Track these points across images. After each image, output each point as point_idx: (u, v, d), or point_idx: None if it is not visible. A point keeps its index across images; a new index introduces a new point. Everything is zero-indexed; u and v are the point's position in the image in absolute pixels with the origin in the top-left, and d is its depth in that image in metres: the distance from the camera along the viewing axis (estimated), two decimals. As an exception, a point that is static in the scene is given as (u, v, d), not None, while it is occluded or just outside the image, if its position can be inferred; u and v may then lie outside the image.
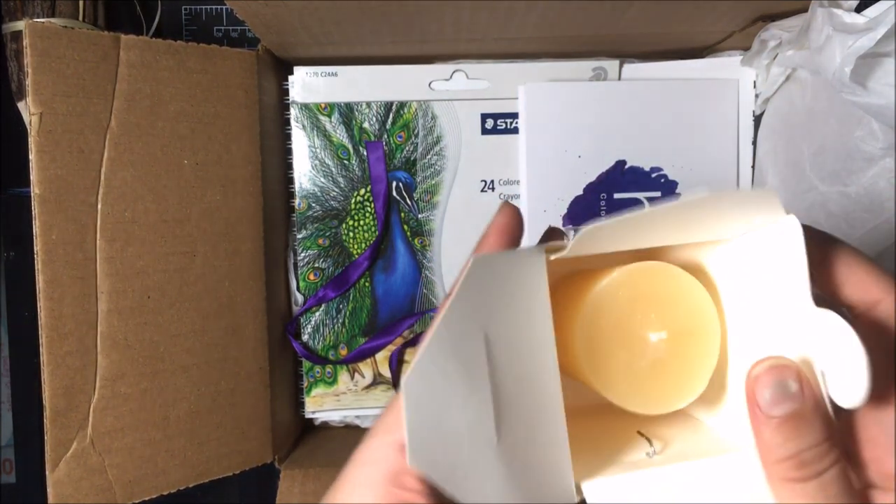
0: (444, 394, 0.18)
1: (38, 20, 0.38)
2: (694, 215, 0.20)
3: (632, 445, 0.22)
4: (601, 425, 0.23)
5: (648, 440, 0.22)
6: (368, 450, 0.21)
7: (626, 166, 0.49)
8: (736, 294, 0.22)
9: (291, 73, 0.48)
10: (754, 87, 0.48)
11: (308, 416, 0.51)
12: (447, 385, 0.18)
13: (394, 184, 0.49)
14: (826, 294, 0.20)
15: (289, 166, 0.49)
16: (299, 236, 0.49)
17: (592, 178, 0.49)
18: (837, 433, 0.18)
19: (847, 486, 0.18)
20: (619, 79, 0.49)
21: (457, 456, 0.18)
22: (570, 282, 0.24)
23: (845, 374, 0.18)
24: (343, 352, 0.50)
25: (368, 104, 0.49)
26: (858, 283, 0.20)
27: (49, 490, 0.37)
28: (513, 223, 0.23)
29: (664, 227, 0.20)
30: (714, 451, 0.22)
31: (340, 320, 0.50)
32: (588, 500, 0.18)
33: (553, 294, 0.21)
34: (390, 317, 0.50)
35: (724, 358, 0.22)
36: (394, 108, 0.49)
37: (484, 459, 0.18)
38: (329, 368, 0.50)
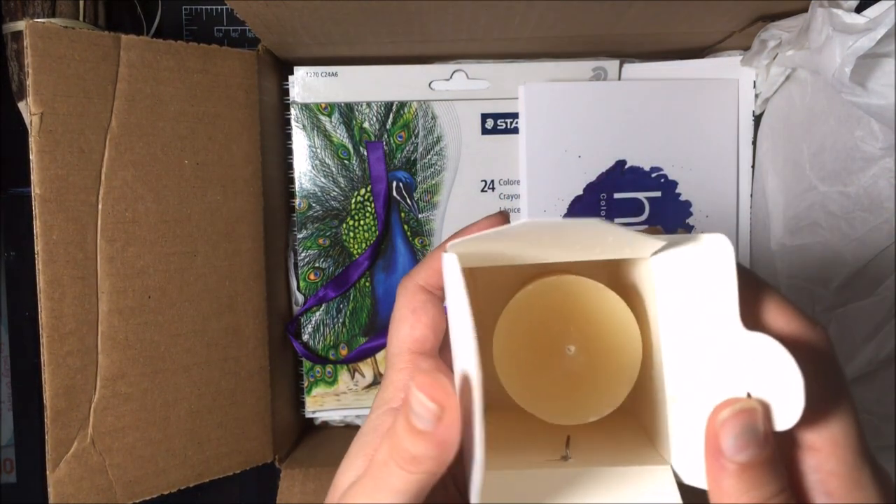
0: None
1: (39, 20, 0.38)
2: (582, 236, 0.19)
3: (552, 448, 0.22)
4: (529, 426, 0.23)
5: (567, 444, 0.22)
6: (367, 423, 0.22)
7: (626, 166, 0.49)
8: (667, 310, 0.21)
9: (292, 73, 0.48)
10: (754, 87, 0.48)
11: (308, 415, 0.51)
12: None
13: (394, 184, 0.49)
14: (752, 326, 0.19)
15: (289, 166, 0.49)
16: (300, 236, 0.49)
17: (592, 178, 0.49)
18: (788, 485, 0.18)
19: None
20: (619, 79, 0.49)
21: None
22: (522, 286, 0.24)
23: (779, 396, 0.17)
24: (343, 351, 0.50)
25: (368, 104, 0.49)
26: (784, 318, 0.19)
27: (50, 490, 0.37)
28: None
29: (555, 243, 0.20)
30: (633, 461, 0.21)
31: (341, 320, 0.50)
32: (476, 487, 0.17)
33: (509, 296, 0.21)
34: (390, 317, 0.50)
35: (655, 372, 0.22)
36: (394, 108, 0.49)
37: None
38: (329, 368, 0.50)
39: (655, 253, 0.22)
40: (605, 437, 0.23)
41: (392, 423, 0.19)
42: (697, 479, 0.20)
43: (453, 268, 0.19)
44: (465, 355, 0.18)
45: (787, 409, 0.17)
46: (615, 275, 0.24)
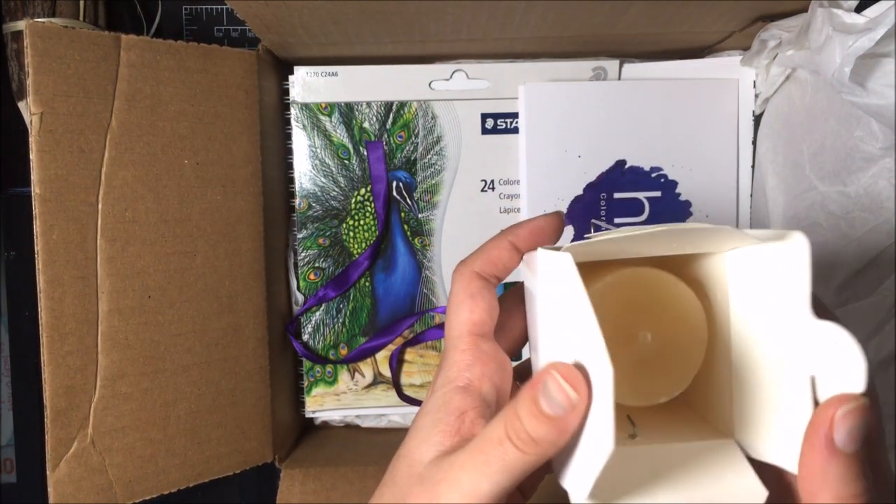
0: None
1: (39, 20, 0.38)
2: (684, 238, 0.21)
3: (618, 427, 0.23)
4: None
5: (632, 423, 0.24)
6: (432, 399, 0.24)
7: (626, 166, 0.49)
8: (737, 299, 0.23)
9: (292, 72, 0.48)
10: (754, 86, 0.48)
11: (308, 415, 0.51)
12: None
13: (394, 183, 0.49)
14: None
15: (289, 166, 0.50)
16: (300, 236, 0.49)
17: (592, 177, 0.49)
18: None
19: None
20: (619, 79, 0.49)
21: None
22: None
23: (843, 379, 0.19)
24: (343, 351, 0.50)
25: (368, 104, 0.49)
26: None
27: (50, 489, 0.37)
28: (549, 231, 0.26)
29: (652, 244, 0.21)
30: (696, 438, 0.23)
31: (341, 320, 0.50)
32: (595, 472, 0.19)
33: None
34: (390, 316, 0.50)
35: (719, 356, 0.24)
36: (394, 107, 0.49)
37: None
38: (329, 368, 0.50)
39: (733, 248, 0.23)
40: (665, 418, 0.25)
41: (512, 404, 0.21)
42: (773, 456, 0.21)
43: (568, 267, 0.20)
44: (588, 352, 0.19)
45: (852, 386, 0.18)
46: (686, 263, 0.25)
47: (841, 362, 0.19)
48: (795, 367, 0.20)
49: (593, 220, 0.49)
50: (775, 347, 0.21)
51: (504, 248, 0.25)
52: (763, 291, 0.22)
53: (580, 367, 0.20)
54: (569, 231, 0.49)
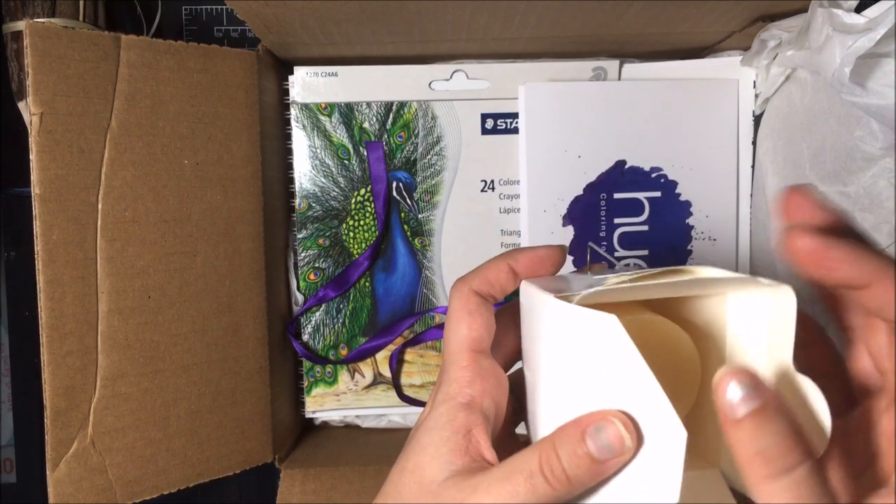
0: None
1: (39, 20, 0.38)
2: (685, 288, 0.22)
3: None
4: None
5: None
6: (436, 416, 0.24)
7: (626, 166, 0.49)
8: (733, 341, 0.24)
9: (291, 73, 0.48)
10: (754, 87, 0.48)
11: (308, 415, 0.51)
12: None
13: (394, 184, 0.49)
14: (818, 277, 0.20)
15: (289, 166, 0.50)
16: (299, 236, 0.49)
17: (592, 178, 0.49)
18: (803, 436, 0.19)
19: (820, 485, 0.18)
20: (619, 79, 0.49)
21: None
22: None
23: (812, 429, 0.20)
24: (343, 351, 0.50)
25: (368, 104, 0.49)
26: (853, 263, 0.20)
27: (50, 489, 0.37)
28: (549, 262, 0.26)
29: (660, 291, 0.23)
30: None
31: (341, 320, 0.50)
32: None
33: None
34: (390, 317, 0.50)
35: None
36: (394, 108, 0.49)
37: None
38: (329, 368, 0.50)
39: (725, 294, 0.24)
40: None
41: (549, 439, 0.22)
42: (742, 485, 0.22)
43: (618, 333, 0.21)
44: (651, 412, 0.20)
45: (816, 440, 0.20)
46: (687, 301, 0.26)
47: (811, 414, 0.20)
48: None
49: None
50: None
51: (502, 271, 0.26)
52: (754, 335, 0.23)
53: (631, 418, 0.21)
54: (569, 232, 0.49)
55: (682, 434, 0.19)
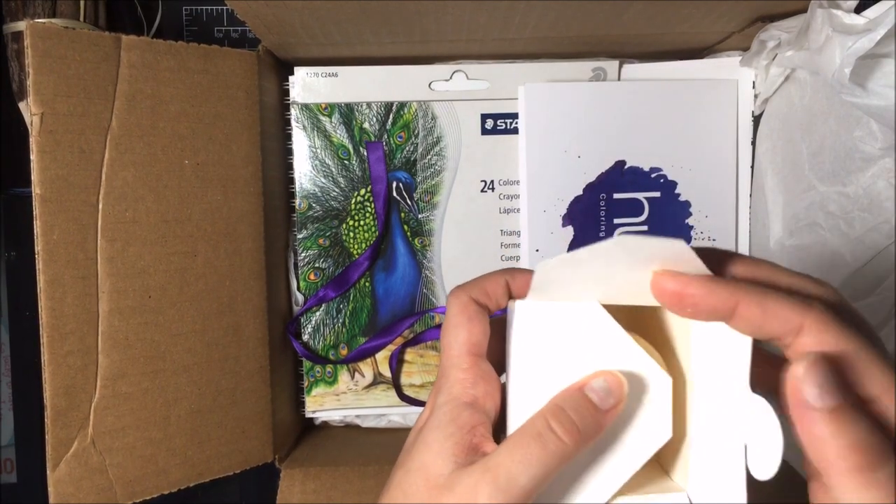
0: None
1: (39, 20, 0.38)
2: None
3: None
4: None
5: None
6: (440, 415, 0.24)
7: (626, 166, 0.49)
8: (697, 362, 0.24)
9: (292, 73, 0.48)
10: (753, 87, 0.48)
11: (308, 415, 0.51)
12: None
13: (394, 184, 0.49)
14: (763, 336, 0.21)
15: (289, 166, 0.50)
16: (300, 236, 0.49)
17: (592, 178, 0.49)
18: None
19: None
20: (619, 79, 0.50)
21: None
22: None
23: (765, 449, 0.20)
24: (343, 351, 0.50)
25: (369, 104, 0.49)
26: (776, 317, 0.20)
27: (50, 489, 0.37)
28: None
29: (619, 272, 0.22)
30: (652, 491, 0.25)
31: (341, 320, 0.50)
32: None
33: None
34: (390, 317, 0.50)
35: (682, 415, 0.25)
36: (394, 108, 0.49)
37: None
38: (329, 368, 0.50)
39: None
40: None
41: (548, 405, 0.23)
42: (716, 498, 0.23)
43: (597, 312, 0.23)
44: (641, 374, 0.23)
45: (768, 461, 0.20)
46: (658, 314, 0.27)
47: (765, 434, 0.20)
48: (732, 435, 0.22)
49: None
50: (722, 412, 0.23)
51: (500, 285, 0.26)
52: (715, 357, 0.23)
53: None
54: (568, 232, 0.49)
55: (666, 379, 0.23)
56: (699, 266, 0.21)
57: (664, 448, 0.24)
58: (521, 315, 0.24)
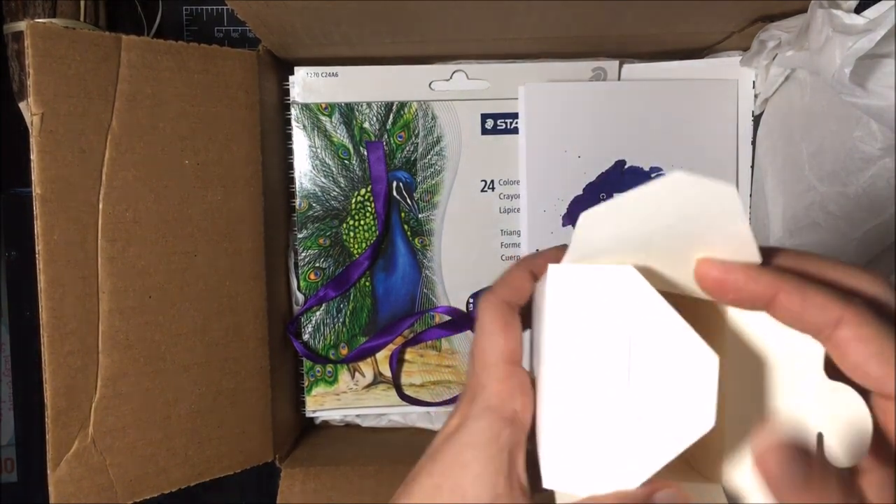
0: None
1: (40, 20, 0.38)
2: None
3: None
4: None
5: None
6: (475, 431, 0.23)
7: (626, 166, 0.49)
8: (737, 346, 0.23)
9: (292, 73, 0.48)
10: (753, 87, 0.48)
11: (309, 415, 0.51)
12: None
13: (394, 184, 0.49)
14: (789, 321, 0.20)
15: (289, 166, 0.50)
16: (300, 236, 0.49)
17: (592, 178, 0.49)
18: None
19: None
20: (619, 79, 0.50)
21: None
22: None
23: (850, 436, 0.20)
24: (344, 351, 0.50)
25: (369, 104, 0.49)
26: (815, 308, 0.20)
27: (50, 489, 0.37)
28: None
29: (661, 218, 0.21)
30: (683, 480, 0.24)
31: (341, 320, 0.50)
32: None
33: None
34: (391, 316, 0.50)
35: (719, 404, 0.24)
36: (394, 108, 0.49)
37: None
38: (330, 368, 0.50)
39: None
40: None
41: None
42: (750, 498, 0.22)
43: (637, 281, 0.21)
44: (686, 352, 0.21)
45: (856, 446, 0.20)
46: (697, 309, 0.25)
47: (849, 422, 0.20)
48: (801, 423, 0.21)
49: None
50: (777, 400, 0.22)
51: (525, 279, 0.25)
52: (766, 340, 0.22)
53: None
54: (568, 232, 0.49)
55: (713, 359, 0.20)
56: (746, 233, 0.20)
57: (698, 451, 0.23)
58: (555, 283, 0.22)
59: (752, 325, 0.23)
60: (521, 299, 0.25)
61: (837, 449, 0.20)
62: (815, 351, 0.21)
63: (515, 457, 0.22)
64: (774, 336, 0.22)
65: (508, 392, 0.23)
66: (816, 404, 0.21)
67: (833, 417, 0.20)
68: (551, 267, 0.22)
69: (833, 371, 0.20)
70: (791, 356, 0.21)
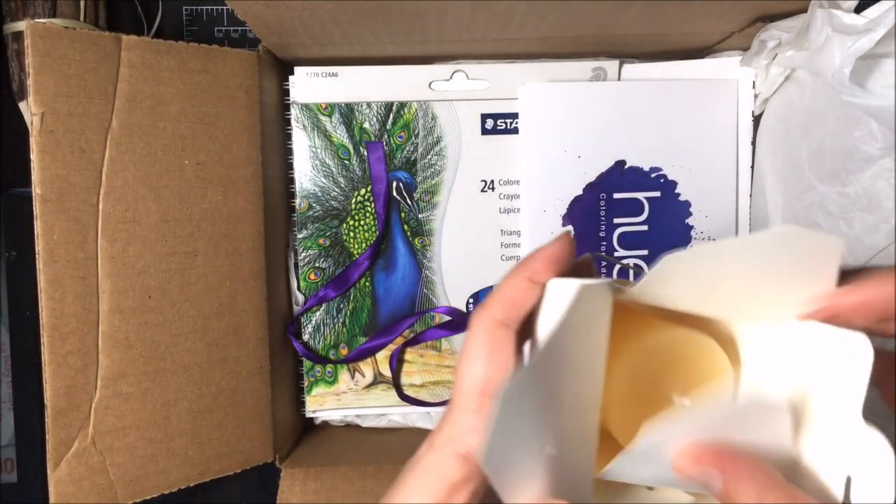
0: (528, 406, 0.19)
1: (40, 20, 0.38)
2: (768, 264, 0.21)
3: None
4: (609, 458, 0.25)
5: None
6: (428, 460, 0.23)
7: (626, 166, 0.49)
8: (767, 372, 0.23)
9: (292, 73, 0.48)
10: (753, 87, 0.48)
11: (309, 415, 0.51)
12: (534, 400, 0.19)
13: (394, 184, 0.49)
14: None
15: (289, 166, 0.50)
16: (300, 236, 0.49)
17: (592, 178, 0.49)
18: None
19: None
20: (619, 79, 0.50)
21: (518, 462, 0.19)
22: (618, 317, 0.24)
23: (876, 482, 0.19)
24: (344, 351, 0.50)
25: (369, 104, 0.49)
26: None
27: (50, 489, 0.37)
28: (563, 255, 0.24)
29: (737, 278, 0.21)
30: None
31: (341, 320, 0.50)
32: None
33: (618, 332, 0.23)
34: (391, 316, 0.50)
35: None
36: (394, 108, 0.49)
37: (535, 467, 0.20)
38: (329, 368, 0.50)
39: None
40: None
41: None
42: None
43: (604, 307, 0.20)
44: (589, 388, 0.20)
45: (882, 493, 0.19)
46: (732, 335, 0.25)
47: (878, 466, 0.19)
48: (829, 463, 0.21)
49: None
50: (808, 436, 0.21)
51: (522, 287, 0.24)
52: (802, 373, 0.21)
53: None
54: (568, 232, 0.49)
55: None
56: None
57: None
58: (555, 297, 0.22)
59: (783, 347, 0.22)
60: (520, 312, 0.24)
61: (860, 495, 0.20)
62: (857, 392, 0.20)
63: (455, 493, 0.23)
64: (806, 363, 0.22)
65: (470, 426, 0.23)
66: (848, 446, 0.20)
67: (862, 462, 0.20)
68: (551, 283, 0.22)
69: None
70: (830, 397, 0.21)
